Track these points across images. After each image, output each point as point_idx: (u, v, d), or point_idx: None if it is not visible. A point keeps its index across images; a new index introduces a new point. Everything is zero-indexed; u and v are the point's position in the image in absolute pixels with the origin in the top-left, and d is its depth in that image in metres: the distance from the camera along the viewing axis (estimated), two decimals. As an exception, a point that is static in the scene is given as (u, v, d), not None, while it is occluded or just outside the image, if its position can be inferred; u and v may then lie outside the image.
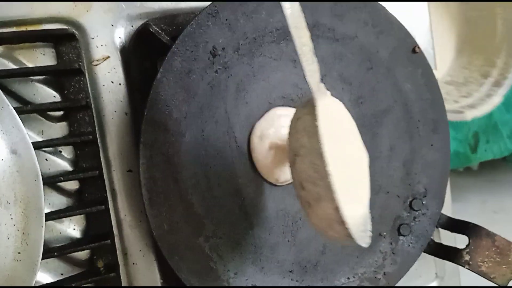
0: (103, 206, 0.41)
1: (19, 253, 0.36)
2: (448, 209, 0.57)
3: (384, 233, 0.49)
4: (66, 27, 0.41)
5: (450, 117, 0.82)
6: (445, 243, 0.52)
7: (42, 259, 0.36)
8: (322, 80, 0.31)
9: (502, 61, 0.86)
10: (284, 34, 0.44)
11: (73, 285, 0.40)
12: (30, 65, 0.41)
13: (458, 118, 0.83)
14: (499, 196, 1.22)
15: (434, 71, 0.52)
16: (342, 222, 0.28)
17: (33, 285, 0.36)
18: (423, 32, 0.56)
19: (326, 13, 0.46)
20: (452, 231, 0.52)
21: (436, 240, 0.53)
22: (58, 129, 0.42)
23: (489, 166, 1.22)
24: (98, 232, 0.43)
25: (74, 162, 0.43)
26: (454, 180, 0.56)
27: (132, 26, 0.44)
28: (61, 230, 0.42)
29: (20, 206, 0.36)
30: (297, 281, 0.45)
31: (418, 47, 0.50)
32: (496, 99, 0.84)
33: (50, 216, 0.40)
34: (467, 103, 0.86)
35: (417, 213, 0.50)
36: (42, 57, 0.41)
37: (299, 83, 0.45)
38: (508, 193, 1.23)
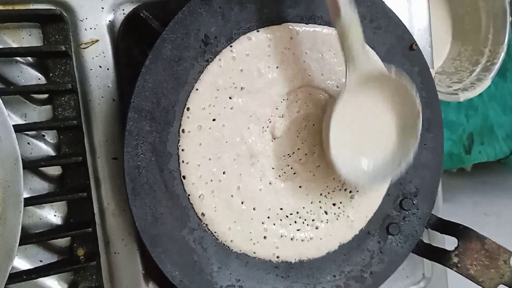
0: (85, 193, 0.40)
1: (-5, 238, 0.35)
2: (439, 210, 0.56)
3: (373, 232, 0.48)
4: (54, 8, 0.40)
5: (444, 98, 0.85)
6: (434, 244, 0.52)
7: (20, 245, 0.35)
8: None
9: (489, 49, 0.96)
10: (279, 25, 0.43)
11: (52, 272, 0.39)
12: (15, 45, 0.40)
13: (452, 99, 0.89)
14: (491, 198, 1.21)
15: (431, 70, 0.51)
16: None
17: (9, 271, 0.35)
18: (421, 29, 0.55)
19: (323, 6, 0.44)
20: (441, 232, 0.52)
21: (425, 241, 0.53)
22: (42, 113, 0.41)
23: (482, 167, 1.22)
24: (80, 220, 0.42)
25: (57, 147, 0.42)
26: (446, 181, 0.55)
27: (123, 10, 0.43)
28: (41, 216, 0.41)
29: (-3, 190, 0.35)
30: (282, 277, 0.44)
31: (416, 44, 0.49)
32: (486, 82, 0.93)
33: (30, 201, 0.39)
34: (459, 87, 0.93)
35: (407, 212, 0.49)
36: (28, 37, 0.40)
37: (292, 76, 0.44)
38: (500, 195, 1.23)
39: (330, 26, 0.44)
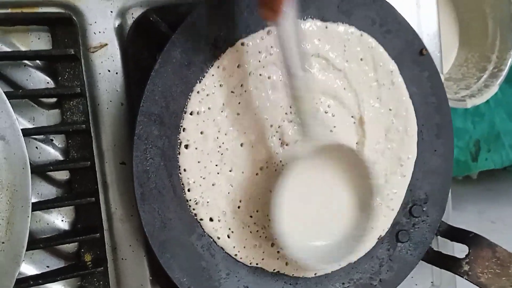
0: (93, 199, 0.40)
1: (2, 242, 0.34)
2: (449, 218, 0.55)
3: (382, 239, 0.47)
4: (64, 11, 0.40)
5: (452, 104, 0.85)
6: (443, 251, 0.51)
7: (27, 250, 0.35)
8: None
9: (496, 55, 0.95)
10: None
11: (58, 278, 0.39)
12: (24, 49, 0.40)
13: (460, 105, 0.89)
14: (497, 206, 1.20)
15: (441, 75, 0.51)
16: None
17: (16, 276, 0.34)
18: (430, 34, 0.54)
19: (332, 9, 0.44)
20: (452, 240, 0.51)
21: (435, 248, 0.52)
22: (50, 117, 0.41)
23: (488, 175, 1.21)
24: (87, 225, 0.41)
25: (65, 151, 0.41)
26: (452, 188, 0.55)
27: (132, 14, 0.43)
28: (48, 221, 0.41)
29: (5, 194, 0.34)
30: (290, 284, 0.44)
31: (426, 50, 0.48)
32: (494, 89, 0.92)
33: (38, 206, 0.38)
34: (467, 93, 0.93)
35: (416, 219, 0.48)
36: (37, 41, 0.40)
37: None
38: (506, 203, 1.22)
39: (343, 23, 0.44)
